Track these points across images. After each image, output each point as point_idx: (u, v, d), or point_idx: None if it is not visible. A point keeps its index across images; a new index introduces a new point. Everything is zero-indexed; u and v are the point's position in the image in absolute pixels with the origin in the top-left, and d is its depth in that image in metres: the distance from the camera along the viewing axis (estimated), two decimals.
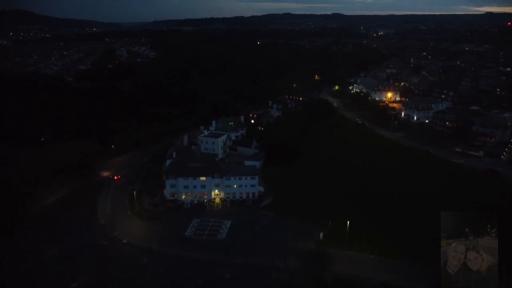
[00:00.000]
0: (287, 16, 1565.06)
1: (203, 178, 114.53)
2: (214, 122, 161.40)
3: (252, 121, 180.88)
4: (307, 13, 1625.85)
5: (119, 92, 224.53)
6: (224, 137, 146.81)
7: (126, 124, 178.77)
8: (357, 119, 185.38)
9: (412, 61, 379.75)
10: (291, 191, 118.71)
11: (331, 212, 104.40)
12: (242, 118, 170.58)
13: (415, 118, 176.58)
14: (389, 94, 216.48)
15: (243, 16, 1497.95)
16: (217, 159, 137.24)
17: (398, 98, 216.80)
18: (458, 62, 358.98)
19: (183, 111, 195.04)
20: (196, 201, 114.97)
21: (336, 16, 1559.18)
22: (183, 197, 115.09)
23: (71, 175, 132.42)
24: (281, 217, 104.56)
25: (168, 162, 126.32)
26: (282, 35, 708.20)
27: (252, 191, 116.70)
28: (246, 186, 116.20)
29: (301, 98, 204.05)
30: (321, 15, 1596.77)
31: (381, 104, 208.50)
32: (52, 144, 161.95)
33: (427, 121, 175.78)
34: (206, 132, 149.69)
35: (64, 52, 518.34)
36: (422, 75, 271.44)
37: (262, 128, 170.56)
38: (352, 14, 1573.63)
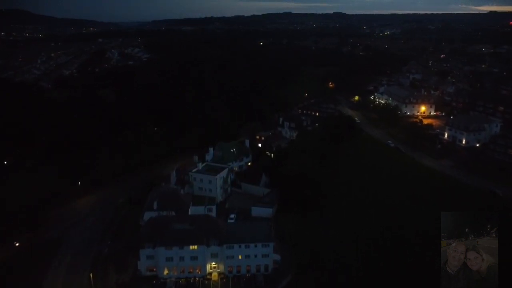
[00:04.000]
0: (288, 15, 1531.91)
1: (194, 247, 79.30)
2: (211, 149, 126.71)
3: (259, 145, 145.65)
4: (308, 12, 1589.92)
5: (100, 104, 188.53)
6: (224, 173, 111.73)
7: (101, 149, 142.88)
8: (389, 141, 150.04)
9: (430, 64, 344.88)
10: (319, 260, 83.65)
11: None
12: (247, 142, 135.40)
13: (463, 142, 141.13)
14: (423, 108, 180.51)
15: (243, 16, 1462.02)
16: (214, 206, 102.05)
17: (433, 113, 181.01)
18: (483, 66, 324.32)
19: (173, 129, 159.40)
20: (184, 278, 79.93)
21: (338, 15, 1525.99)
22: (165, 272, 80.00)
23: (20, 227, 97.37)
24: None
25: (146, 215, 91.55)
26: (284, 35, 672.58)
27: (265, 263, 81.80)
28: (256, 256, 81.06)
29: (317, 113, 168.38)
30: (322, 14, 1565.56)
31: (414, 120, 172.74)
32: (9, 175, 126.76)
33: (478, 145, 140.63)
34: (200, 165, 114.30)
35: (52, 54, 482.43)
36: (452, 82, 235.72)
37: (272, 155, 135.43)
38: (353, 13, 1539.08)
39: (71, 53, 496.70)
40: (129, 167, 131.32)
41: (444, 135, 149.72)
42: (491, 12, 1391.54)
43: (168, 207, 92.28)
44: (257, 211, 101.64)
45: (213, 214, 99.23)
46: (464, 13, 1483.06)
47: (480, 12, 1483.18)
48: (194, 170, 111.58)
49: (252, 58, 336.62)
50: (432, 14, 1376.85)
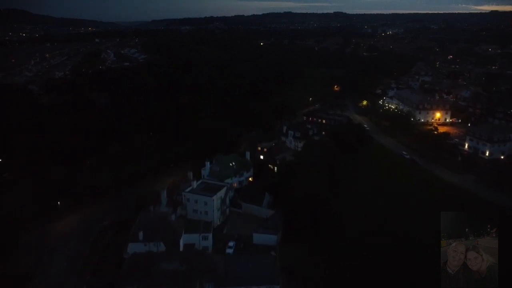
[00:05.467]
0: (288, 15, 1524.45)
1: None
2: (208, 163, 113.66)
3: (261, 157, 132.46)
4: (309, 12, 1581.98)
5: (89, 109, 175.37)
6: (222, 192, 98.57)
7: (86, 161, 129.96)
8: (403, 152, 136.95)
9: (438, 65, 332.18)
10: None
11: None
12: (247, 154, 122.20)
13: (487, 154, 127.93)
14: (438, 114, 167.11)
15: (243, 15, 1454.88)
16: (210, 233, 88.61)
17: (448, 119, 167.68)
18: (494, 67, 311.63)
19: (167, 138, 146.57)
20: None
21: (339, 15, 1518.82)
22: None
23: None
24: None
25: (130, 247, 78.32)
26: (285, 35, 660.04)
27: None
28: None
29: (323, 121, 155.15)
30: (322, 14, 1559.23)
31: (429, 127, 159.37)
32: None
33: (502, 157, 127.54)
34: (195, 183, 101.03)
35: (47, 55, 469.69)
36: (464, 86, 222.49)
37: (276, 169, 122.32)
38: (354, 12, 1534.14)
39: (65, 53, 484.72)
40: (116, 182, 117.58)
41: (464, 145, 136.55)
42: (492, 11, 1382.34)
43: (156, 237, 79.03)
44: (260, 239, 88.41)
45: (209, 243, 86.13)
46: (465, 13, 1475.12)
47: (481, 11, 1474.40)
48: (187, 190, 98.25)
49: (253, 59, 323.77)
50: (433, 13, 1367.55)
